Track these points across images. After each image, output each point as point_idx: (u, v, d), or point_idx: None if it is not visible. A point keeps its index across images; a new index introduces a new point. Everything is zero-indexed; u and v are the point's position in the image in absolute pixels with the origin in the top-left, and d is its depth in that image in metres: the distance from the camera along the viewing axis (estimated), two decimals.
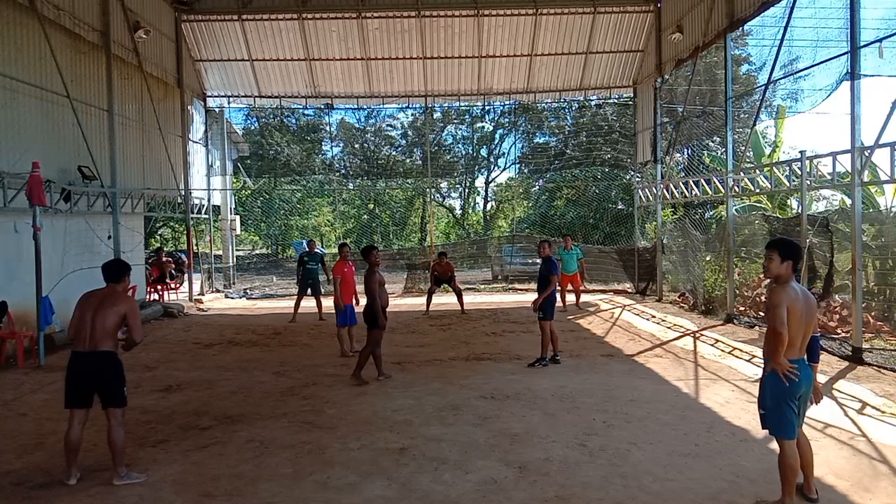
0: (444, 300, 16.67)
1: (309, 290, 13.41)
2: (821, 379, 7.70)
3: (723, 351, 9.66)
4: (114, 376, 4.98)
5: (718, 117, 13.99)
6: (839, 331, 10.13)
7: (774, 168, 11.20)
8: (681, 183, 14.92)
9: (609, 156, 22.56)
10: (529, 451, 5.40)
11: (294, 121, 29.91)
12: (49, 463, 5.29)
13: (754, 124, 13.70)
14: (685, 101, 15.14)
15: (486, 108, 22.25)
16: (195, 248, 18.58)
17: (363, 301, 8.18)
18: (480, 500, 4.50)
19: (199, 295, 17.34)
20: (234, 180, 22.92)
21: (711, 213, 19.72)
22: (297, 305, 13.56)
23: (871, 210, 12.22)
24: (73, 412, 4.94)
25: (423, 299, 13.68)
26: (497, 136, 31.31)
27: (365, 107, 21.46)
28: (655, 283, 16.36)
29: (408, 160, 31.05)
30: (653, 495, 4.52)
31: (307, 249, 13.67)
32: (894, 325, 9.74)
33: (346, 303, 9.46)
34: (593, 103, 21.51)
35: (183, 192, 16.88)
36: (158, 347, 10.60)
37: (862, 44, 8.57)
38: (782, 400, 4.15)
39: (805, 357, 4.22)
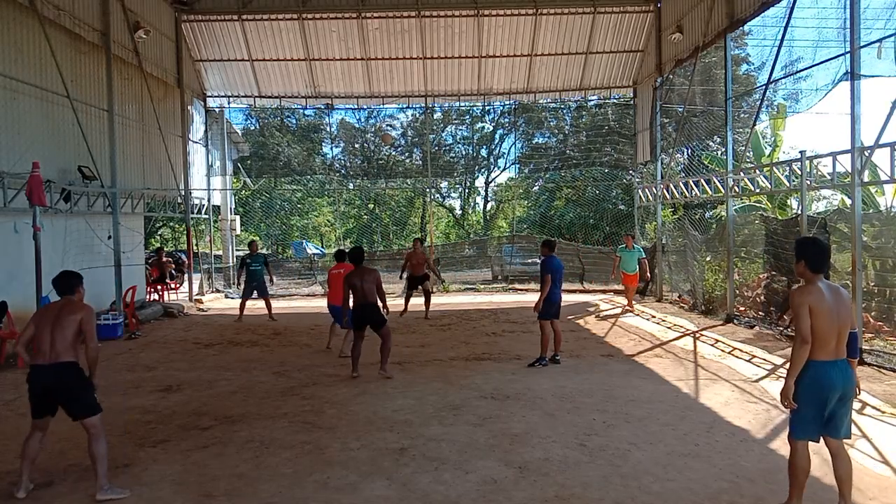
0: (445, 300, 16.67)
1: (255, 293, 13.36)
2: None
3: (723, 351, 9.67)
4: (77, 384, 4.73)
5: (718, 117, 14.00)
6: None
7: (774, 168, 11.20)
8: (681, 183, 14.93)
9: (609, 156, 22.55)
10: (529, 451, 5.40)
11: (294, 121, 29.94)
12: (49, 463, 5.29)
13: (754, 124, 13.71)
14: (685, 101, 15.13)
15: (486, 108, 22.27)
16: (195, 248, 18.58)
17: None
18: (480, 500, 4.50)
19: (199, 295, 17.34)
20: (235, 180, 22.92)
21: (711, 213, 19.72)
22: (242, 307, 13.49)
23: (871, 210, 12.21)
24: (34, 423, 4.83)
25: (424, 299, 13.61)
26: (497, 136, 31.34)
27: (365, 107, 21.45)
28: (655, 284, 16.36)
29: (408, 160, 31.07)
30: (653, 495, 4.52)
31: (249, 251, 13.67)
32: (894, 325, 9.74)
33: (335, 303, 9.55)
34: (593, 103, 21.52)
35: (183, 192, 16.88)
36: (158, 347, 10.61)
37: (862, 44, 8.58)
38: (812, 402, 4.00)
39: (844, 356, 3.98)
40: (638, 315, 13.57)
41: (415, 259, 13.51)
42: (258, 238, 29.54)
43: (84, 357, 4.79)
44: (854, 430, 5.85)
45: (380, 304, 8.19)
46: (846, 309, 4.00)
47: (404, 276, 13.68)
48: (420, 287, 13.56)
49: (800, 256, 4.09)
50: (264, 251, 20.98)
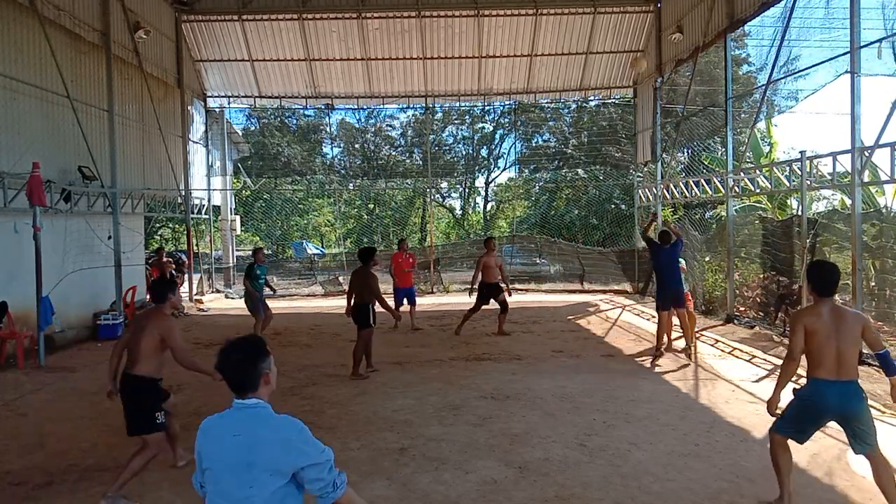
0: (445, 300, 16.68)
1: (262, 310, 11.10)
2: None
3: (723, 351, 9.67)
4: (130, 401, 4.69)
5: (718, 117, 13.99)
6: None
7: (774, 168, 11.20)
8: (681, 183, 14.93)
9: (609, 156, 22.56)
10: (529, 451, 5.40)
11: (294, 121, 29.94)
12: (49, 463, 5.29)
13: (754, 124, 13.71)
14: (685, 101, 15.13)
15: (486, 108, 22.26)
16: (195, 248, 18.58)
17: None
18: (480, 500, 4.50)
19: (199, 295, 17.34)
20: (235, 181, 22.92)
21: (711, 213, 19.72)
22: (263, 325, 11.14)
23: (871, 210, 12.21)
24: None
25: (423, 300, 13.56)
26: (497, 136, 31.33)
27: (365, 107, 21.46)
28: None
29: (408, 160, 31.07)
30: (653, 495, 4.52)
31: (254, 259, 11.45)
32: (894, 325, 9.74)
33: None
34: (593, 103, 21.53)
35: (183, 193, 16.88)
36: None
37: (862, 44, 8.57)
38: (798, 414, 4.14)
39: (845, 378, 4.01)
40: (638, 315, 13.57)
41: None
42: (258, 239, 29.59)
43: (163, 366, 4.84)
44: None
45: (379, 306, 8.28)
46: (849, 331, 4.03)
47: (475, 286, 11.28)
48: (494, 299, 11.06)
49: (808, 280, 4.26)
50: (264, 252, 21.03)
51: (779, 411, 4.20)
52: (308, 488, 2.36)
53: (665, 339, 9.24)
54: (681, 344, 9.51)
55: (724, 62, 13.02)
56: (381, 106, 21.08)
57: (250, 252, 33.31)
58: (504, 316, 11.18)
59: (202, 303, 16.45)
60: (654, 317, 13.13)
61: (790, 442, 4.24)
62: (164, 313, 4.85)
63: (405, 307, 12.14)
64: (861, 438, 4.04)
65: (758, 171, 11.88)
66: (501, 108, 23.17)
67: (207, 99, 19.06)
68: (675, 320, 9.42)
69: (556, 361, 9.04)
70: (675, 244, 9.24)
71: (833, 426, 5.93)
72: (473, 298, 11.40)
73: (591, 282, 18.84)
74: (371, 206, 31.53)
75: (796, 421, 4.15)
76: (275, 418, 2.38)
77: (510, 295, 11.23)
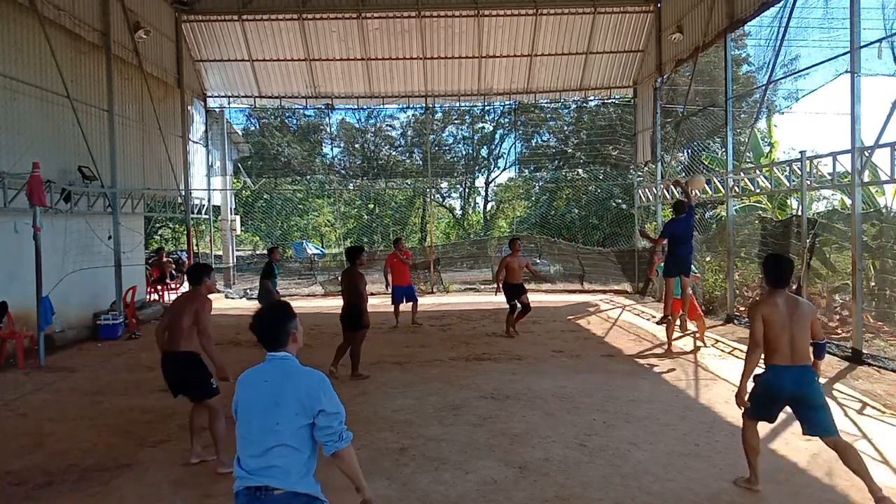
0: (445, 300, 16.69)
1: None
2: (820, 380, 7.70)
3: (723, 351, 9.67)
4: (181, 376, 5.19)
5: (719, 117, 13.99)
6: (839, 331, 10.13)
7: (774, 168, 11.20)
8: None
9: (609, 155, 22.56)
10: (529, 451, 5.40)
11: (294, 121, 29.93)
12: (49, 463, 5.29)
13: (754, 124, 13.71)
14: (685, 101, 15.13)
15: (486, 108, 22.26)
16: (195, 248, 18.58)
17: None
18: (480, 500, 4.50)
19: None
20: (235, 181, 22.92)
21: (711, 213, 19.71)
22: None
23: (871, 210, 12.21)
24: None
25: (423, 300, 13.57)
26: (497, 136, 31.32)
27: (365, 107, 21.45)
28: (655, 283, 16.35)
29: (408, 160, 31.05)
30: (653, 495, 4.52)
31: (270, 259, 11.43)
32: (894, 325, 9.74)
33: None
34: (593, 103, 21.51)
35: (183, 193, 16.88)
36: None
37: (862, 44, 8.58)
38: (759, 399, 4.44)
39: (799, 363, 4.31)
40: (638, 315, 13.57)
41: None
42: (258, 239, 29.57)
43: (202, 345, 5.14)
44: (854, 430, 5.87)
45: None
46: (804, 318, 4.36)
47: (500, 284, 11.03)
48: (518, 300, 10.87)
49: (764, 272, 4.60)
50: (264, 252, 20.92)
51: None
52: (316, 435, 2.70)
53: (670, 332, 9.35)
54: (683, 345, 9.51)
55: (724, 62, 13.02)
56: (381, 106, 21.07)
57: (251, 252, 33.37)
58: (523, 317, 11.10)
59: None
60: (654, 317, 13.15)
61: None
62: (200, 293, 5.24)
63: (405, 306, 12.16)
64: (813, 422, 4.31)
65: (758, 171, 11.88)
66: (501, 108, 23.17)
67: (207, 99, 19.06)
68: (678, 322, 9.45)
69: (556, 361, 9.04)
70: (689, 213, 9.35)
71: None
72: (500, 297, 11.34)
73: (591, 282, 18.84)
74: (371, 206, 31.52)
75: (760, 405, 4.45)
76: (300, 369, 2.79)
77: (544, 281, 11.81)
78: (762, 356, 4.43)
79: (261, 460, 2.63)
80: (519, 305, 10.89)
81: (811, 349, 4.46)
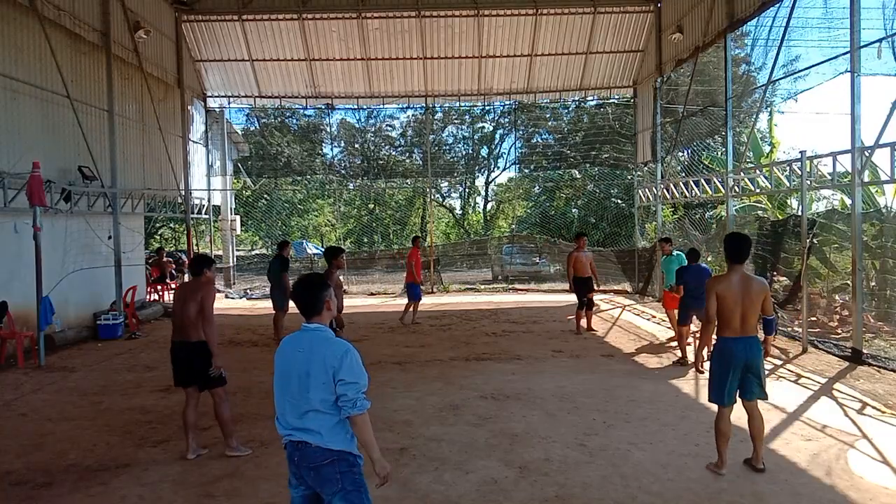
0: (445, 300, 16.69)
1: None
2: (820, 380, 7.75)
3: None
4: (191, 365, 5.33)
5: (719, 117, 14.00)
6: (839, 331, 10.13)
7: (774, 168, 11.20)
8: (681, 183, 14.93)
9: (609, 155, 22.55)
10: (529, 451, 5.40)
11: (294, 121, 29.90)
12: (49, 463, 5.29)
13: (754, 124, 13.71)
14: (685, 101, 15.13)
15: (486, 108, 22.25)
16: (195, 248, 18.57)
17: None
18: (480, 500, 4.50)
19: None
20: (235, 181, 22.91)
21: (711, 213, 19.72)
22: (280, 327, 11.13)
23: (871, 210, 12.22)
24: (184, 391, 5.47)
25: (423, 299, 13.54)
26: (497, 136, 31.32)
27: (365, 107, 21.44)
28: (655, 283, 16.36)
29: (408, 160, 31.04)
30: (653, 495, 4.52)
31: (282, 252, 11.59)
32: (894, 325, 9.74)
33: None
34: (593, 103, 21.50)
35: (183, 193, 16.88)
36: (158, 347, 10.59)
37: (862, 44, 8.58)
38: (718, 371, 4.80)
39: (747, 335, 4.72)
40: (638, 315, 13.57)
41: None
42: (258, 239, 29.57)
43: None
44: (854, 430, 5.88)
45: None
46: (755, 296, 4.71)
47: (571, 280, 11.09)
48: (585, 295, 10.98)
49: (725, 248, 4.89)
50: (263, 252, 21.01)
51: (703, 370, 4.91)
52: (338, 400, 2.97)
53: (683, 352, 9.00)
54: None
55: (724, 62, 13.02)
56: (381, 106, 21.05)
57: (251, 251, 33.29)
58: (591, 312, 11.41)
59: None
60: (653, 316, 13.16)
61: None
62: (202, 282, 5.35)
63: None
64: (754, 387, 4.79)
65: (758, 171, 11.88)
66: (501, 107, 23.15)
67: (207, 99, 19.05)
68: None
69: (556, 361, 9.04)
70: (702, 267, 8.89)
71: (832, 426, 5.96)
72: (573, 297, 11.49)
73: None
74: (371, 206, 31.52)
75: (719, 381, 4.79)
76: (330, 339, 3.06)
77: (598, 287, 11.62)
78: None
79: (298, 421, 2.99)
80: (586, 300, 11.04)
81: (760, 324, 4.83)
